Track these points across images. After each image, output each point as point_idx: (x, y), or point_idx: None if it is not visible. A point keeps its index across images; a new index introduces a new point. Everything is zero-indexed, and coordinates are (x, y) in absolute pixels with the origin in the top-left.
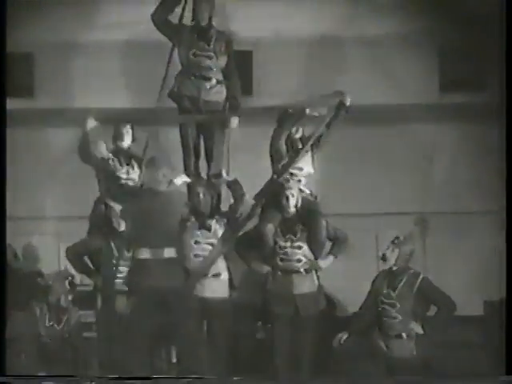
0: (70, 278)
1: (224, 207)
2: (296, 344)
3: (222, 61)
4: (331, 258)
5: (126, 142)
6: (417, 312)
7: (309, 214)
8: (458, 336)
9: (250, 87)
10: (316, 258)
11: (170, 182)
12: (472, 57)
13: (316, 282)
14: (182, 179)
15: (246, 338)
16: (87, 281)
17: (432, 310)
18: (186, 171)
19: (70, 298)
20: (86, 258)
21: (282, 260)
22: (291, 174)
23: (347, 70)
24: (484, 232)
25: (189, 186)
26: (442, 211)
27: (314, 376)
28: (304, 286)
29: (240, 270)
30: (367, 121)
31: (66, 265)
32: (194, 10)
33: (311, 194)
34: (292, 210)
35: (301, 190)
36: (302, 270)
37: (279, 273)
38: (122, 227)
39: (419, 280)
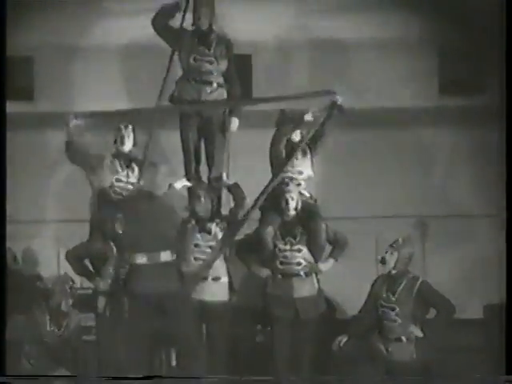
0: (70, 282)
1: (224, 211)
2: (296, 347)
3: (223, 65)
4: (331, 261)
5: (128, 145)
6: (416, 315)
7: (308, 217)
8: (458, 339)
9: (249, 91)
10: (316, 261)
11: (170, 185)
12: (472, 59)
13: (316, 285)
14: (182, 183)
15: (246, 342)
16: (87, 284)
17: (431, 314)
18: (187, 175)
19: (70, 302)
20: (86, 261)
21: (281, 263)
22: (291, 178)
23: (347, 73)
24: (484, 235)
25: (189, 189)
26: (442, 214)
27: (314, 379)
28: (304, 289)
29: (240, 273)
30: (367, 124)
31: (66, 270)
32: (194, 14)
33: (311, 197)
34: (292, 213)
35: (301, 194)
36: (301, 273)
37: (279, 276)
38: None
39: (418, 283)
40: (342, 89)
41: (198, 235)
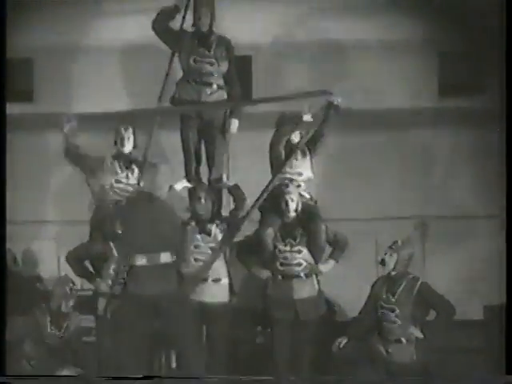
0: (71, 284)
1: (225, 212)
2: (296, 349)
3: (223, 66)
4: (332, 262)
5: (128, 147)
6: (416, 316)
7: (308, 218)
8: (458, 340)
9: (249, 92)
10: (316, 263)
11: (171, 187)
12: (472, 60)
13: (316, 286)
14: (182, 184)
15: (246, 343)
16: (87, 285)
17: (431, 315)
18: (187, 176)
19: (70, 304)
20: (86, 263)
21: (282, 264)
22: (291, 179)
23: (347, 75)
24: (484, 236)
25: (190, 190)
26: (442, 215)
27: (314, 379)
28: (304, 290)
29: (240, 274)
30: (367, 125)
31: (66, 271)
32: (194, 16)
33: (311, 199)
34: (292, 214)
35: (301, 195)
36: (302, 274)
37: (279, 277)
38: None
39: (418, 284)
40: (342, 90)
41: (199, 236)
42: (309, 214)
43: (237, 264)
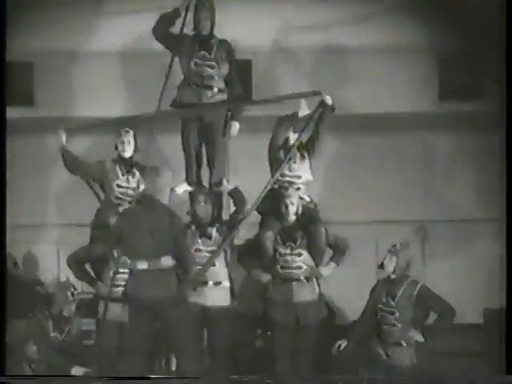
0: (72, 289)
1: (225, 215)
2: (296, 352)
3: (224, 69)
4: (332, 265)
5: (128, 151)
6: (416, 320)
7: (308, 221)
8: (458, 344)
9: (249, 96)
10: (317, 266)
11: (172, 190)
12: (472, 64)
13: (317, 289)
14: (183, 188)
15: (246, 346)
16: (87, 288)
17: (431, 318)
18: (188, 179)
19: (72, 308)
20: (87, 266)
21: (282, 268)
22: (290, 182)
23: (347, 79)
24: (484, 240)
25: (190, 194)
26: (442, 219)
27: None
28: (304, 293)
29: (241, 278)
30: (367, 129)
31: (67, 275)
32: (195, 19)
33: (311, 202)
34: (292, 217)
35: (301, 198)
36: (302, 277)
37: (279, 281)
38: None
39: (418, 288)
40: (342, 94)
41: (199, 240)
42: (309, 217)
43: (238, 267)
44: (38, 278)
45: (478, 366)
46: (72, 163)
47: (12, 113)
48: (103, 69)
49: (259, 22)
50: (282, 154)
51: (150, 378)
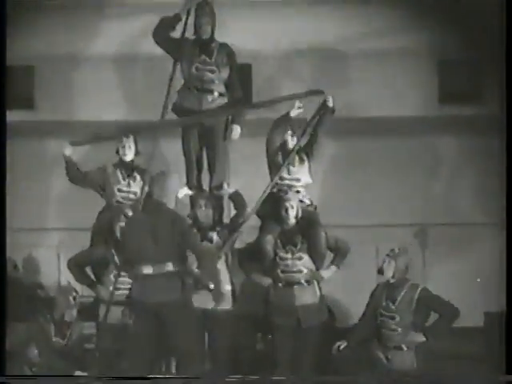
0: (74, 293)
1: (227, 219)
2: (297, 355)
3: (224, 73)
4: (333, 268)
5: (129, 155)
6: (417, 323)
7: (308, 224)
8: (458, 347)
9: (249, 100)
10: (317, 269)
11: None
12: (472, 68)
13: (318, 293)
14: (184, 192)
15: (247, 349)
16: (88, 292)
17: (432, 318)
18: (189, 183)
19: (74, 312)
20: (87, 269)
21: (283, 272)
22: (289, 185)
23: (347, 83)
24: (484, 243)
25: (191, 198)
26: (442, 223)
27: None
28: (305, 297)
29: (242, 281)
30: (367, 132)
31: (68, 279)
32: (195, 23)
33: (311, 204)
34: (292, 221)
35: (301, 201)
36: (303, 281)
37: (280, 284)
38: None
39: (418, 291)
40: (343, 97)
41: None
42: (309, 220)
43: (239, 271)
44: (38, 281)
45: (478, 370)
46: (75, 175)
47: (12, 116)
48: (103, 73)
49: (259, 26)
50: (280, 157)
51: (150, 378)
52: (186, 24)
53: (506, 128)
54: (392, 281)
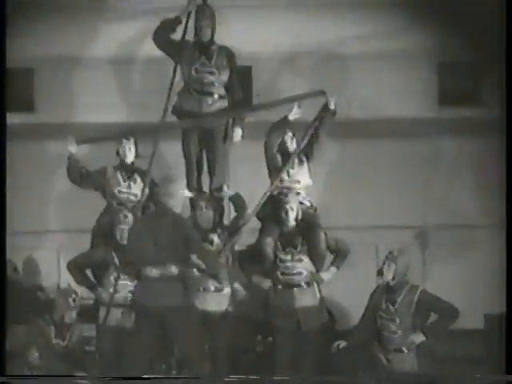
0: (73, 295)
1: (227, 221)
2: (297, 357)
3: (224, 75)
4: (333, 269)
5: (130, 157)
6: (417, 325)
7: (308, 226)
8: (459, 349)
9: (249, 102)
10: (317, 271)
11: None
12: (471, 70)
13: (318, 295)
14: (184, 194)
15: (246, 351)
16: (88, 294)
17: (432, 319)
18: (189, 186)
19: (74, 314)
20: (87, 272)
21: (283, 274)
22: (289, 187)
23: (347, 85)
24: (484, 245)
25: (191, 200)
26: (442, 224)
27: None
28: (305, 299)
29: (242, 283)
30: (367, 134)
31: (68, 281)
32: (196, 26)
33: (311, 206)
34: (292, 223)
35: (301, 203)
36: (303, 283)
37: (280, 286)
38: (124, 240)
39: (418, 293)
40: (342, 99)
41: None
42: (308, 222)
43: (239, 273)
44: (38, 283)
45: (478, 372)
46: (76, 174)
47: (12, 119)
48: (103, 75)
49: (259, 29)
50: (279, 159)
51: (150, 378)
52: (186, 26)
53: (506, 129)
54: (392, 283)
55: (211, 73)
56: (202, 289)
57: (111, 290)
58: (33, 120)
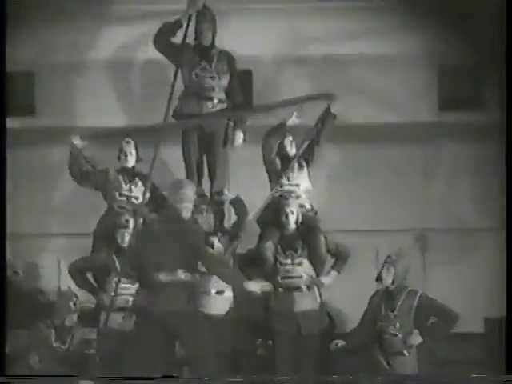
0: (74, 298)
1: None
2: (297, 361)
3: (225, 80)
4: (334, 273)
5: (131, 161)
6: (417, 328)
7: (308, 230)
8: (459, 353)
9: (250, 106)
10: (318, 275)
11: None
12: (471, 74)
13: (318, 299)
14: None
15: (247, 355)
16: (88, 297)
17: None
18: None
19: (74, 318)
20: (88, 275)
21: (283, 277)
22: (289, 191)
23: (347, 90)
24: (484, 249)
25: None
26: (442, 228)
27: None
28: (305, 303)
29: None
30: (367, 138)
31: (67, 284)
32: (196, 30)
33: (312, 209)
34: (292, 227)
35: (301, 206)
36: (303, 286)
37: (280, 290)
38: (126, 243)
39: (417, 297)
40: (343, 104)
41: None
42: (308, 225)
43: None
44: (39, 287)
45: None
46: (78, 168)
47: (13, 123)
48: (104, 79)
49: (260, 33)
50: (278, 163)
51: (149, 378)
52: (186, 30)
53: (506, 134)
54: (391, 288)
55: (211, 77)
56: (203, 291)
57: (112, 293)
58: (33, 124)
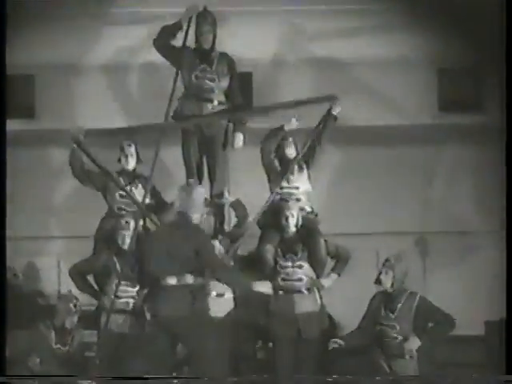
0: (74, 300)
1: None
2: (297, 364)
3: (225, 82)
4: (334, 275)
5: (131, 163)
6: (417, 330)
7: (308, 232)
8: (459, 356)
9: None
10: (318, 277)
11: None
12: (471, 76)
13: (318, 301)
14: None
15: (247, 357)
16: (88, 300)
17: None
18: None
19: (75, 320)
20: (89, 278)
21: (283, 280)
22: (289, 194)
23: (347, 91)
24: (484, 251)
25: None
26: (442, 230)
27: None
28: (306, 305)
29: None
30: (367, 140)
31: (67, 287)
32: (196, 32)
33: (312, 212)
34: (292, 229)
35: (301, 209)
36: (303, 289)
37: (281, 292)
38: (126, 245)
39: (417, 300)
40: (342, 106)
41: None
42: (308, 228)
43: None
44: (39, 289)
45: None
46: (79, 171)
47: (13, 125)
48: (104, 81)
49: (260, 35)
50: (277, 165)
51: (150, 378)
52: (187, 33)
53: (506, 136)
54: (390, 290)
55: (211, 79)
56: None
57: (112, 296)
58: (33, 126)
